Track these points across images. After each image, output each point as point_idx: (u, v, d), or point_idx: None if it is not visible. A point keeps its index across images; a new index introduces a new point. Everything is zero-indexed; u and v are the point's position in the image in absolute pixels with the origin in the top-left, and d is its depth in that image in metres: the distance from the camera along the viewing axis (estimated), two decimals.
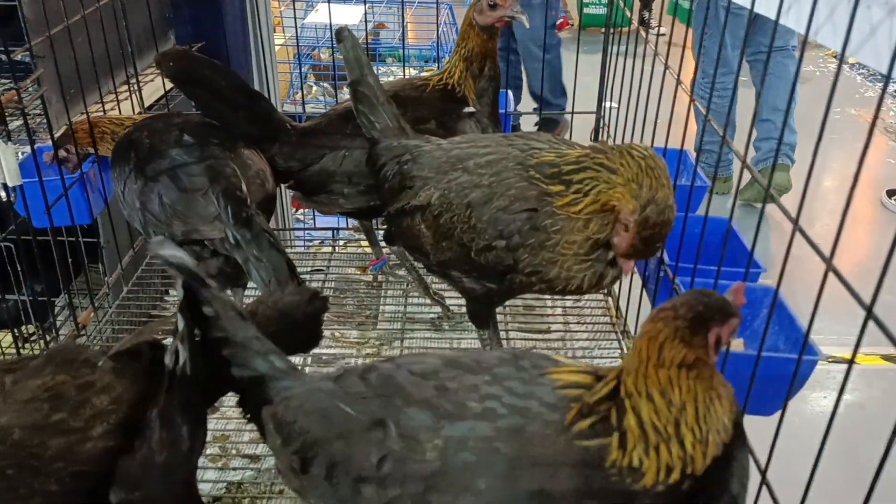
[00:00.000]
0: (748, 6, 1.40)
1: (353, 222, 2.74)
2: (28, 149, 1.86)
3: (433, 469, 1.03)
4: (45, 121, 2.00)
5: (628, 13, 2.32)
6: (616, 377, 1.06)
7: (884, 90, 0.90)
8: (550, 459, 1.01)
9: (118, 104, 2.37)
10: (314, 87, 5.42)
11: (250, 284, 2.12)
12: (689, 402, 1.01)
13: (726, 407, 1.04)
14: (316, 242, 2.95)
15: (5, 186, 1.75)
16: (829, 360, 3.57)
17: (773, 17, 1.30)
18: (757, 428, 1.36)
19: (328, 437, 1.11)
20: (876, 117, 0.92)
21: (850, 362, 1.02)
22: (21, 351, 2.32)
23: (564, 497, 1.01)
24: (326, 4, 4.44)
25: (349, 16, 4.30)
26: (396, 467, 1.05)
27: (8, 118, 1.61)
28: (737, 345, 1.60)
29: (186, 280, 1.10)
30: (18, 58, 1.96)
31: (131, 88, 2.45)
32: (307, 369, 2.05)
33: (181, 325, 1.12)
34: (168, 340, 1.20)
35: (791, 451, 1.29)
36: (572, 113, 2.44)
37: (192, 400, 1.17)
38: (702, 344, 1.02)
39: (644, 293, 1.90)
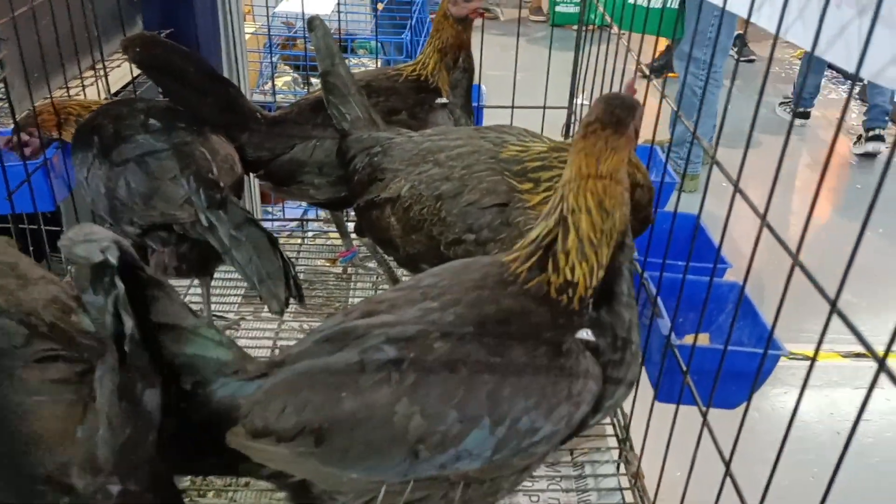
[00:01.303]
0: (720, 3, 1.41)
1: (322, 213, 2.72)
2: None
3: (444, 355, 1.09)
4: (6, 105, 1.95)
5: (601, 8, 2.33)
6: (559, 201, 1.17)
7: (850, 92, 0.92)
8: (513, 309, 1.14)
9: (83, 89, 2.32)
10: (284, 77, 5.36)
11: (221, 275, 2.10)
12: (616, 208, 1.14)
13: (627, 208, 1.17)
14: (285, 234, 2.92)
15: None
16: (790, 356, 3.65)
17: (744, 14, 1.32)
18: (721, 421, 1.39)
19: (336, 395, 1.09)
20: (841, 120, 0.94)
21: (813, 359, 1.04)
22: None
23: (540, 336, 1.12)
24: None
25: (321, 5, 4.26)
26: (418, 372, 1.08)
27: None
28: (702, 339, 1.62)
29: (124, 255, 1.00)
30: None
31: (97, 73, 2.40)
32: None
33: (119, 289, 0.99)
34: None
35: (749, 448, 1.31)
36: (544, 108, 2.44)
37: (149, 371, 1.07)
38: (626, 144, 1.14)
39: None
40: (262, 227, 1.62)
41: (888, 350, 0.78)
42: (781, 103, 6.73)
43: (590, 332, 1.15)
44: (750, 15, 1.28)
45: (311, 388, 1.10)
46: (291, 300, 1.61)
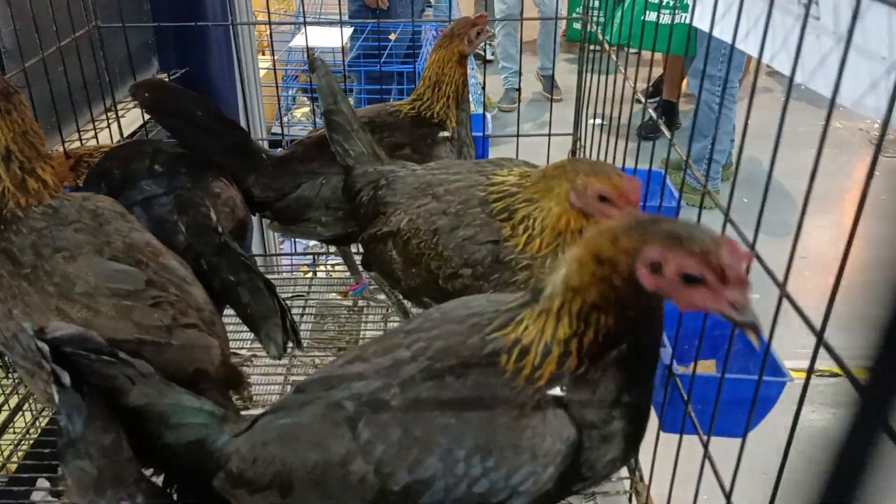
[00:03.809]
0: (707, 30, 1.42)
1: (333, 248, 2.75)
2: None
3: (399, 415, 1.06)
4: None
5: (600, 33, 2.32)
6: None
7: (828, 117, 0.92)
8: (481, 362, 1.06)
9: (96, 134, 2.38)
10: (303, 108, 5.43)
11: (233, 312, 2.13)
12: None
13: None
14: (303, 268, 2.96)
15: None
16: (817, 374, 3.57)
17: (729, 41, 1.32)
18: (725, 449, 1.37)
19: (298, 451, 1.11)
20: (874, 163, 0.93)
21: (806, 381, 1.03)
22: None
23: (504, 392, 1.04)
24: (311, 27, 4.48)
25: (331, 38, 4.32)
26: (372, 430, 1.06)
27: None
28: (707, 367, 1.61)
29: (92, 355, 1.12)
30: None
31: (109, 118, 2.46)
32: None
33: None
34: None
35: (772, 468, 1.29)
36: (549, 135, 2.45)
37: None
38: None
39: None
40: (259, 272, 1.65)
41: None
42: None
43: (564, 388, 1.04)
44: (734, 42, 1.28)
45: (279, 441, 1.13)
46: (289, 344, 1.62)
